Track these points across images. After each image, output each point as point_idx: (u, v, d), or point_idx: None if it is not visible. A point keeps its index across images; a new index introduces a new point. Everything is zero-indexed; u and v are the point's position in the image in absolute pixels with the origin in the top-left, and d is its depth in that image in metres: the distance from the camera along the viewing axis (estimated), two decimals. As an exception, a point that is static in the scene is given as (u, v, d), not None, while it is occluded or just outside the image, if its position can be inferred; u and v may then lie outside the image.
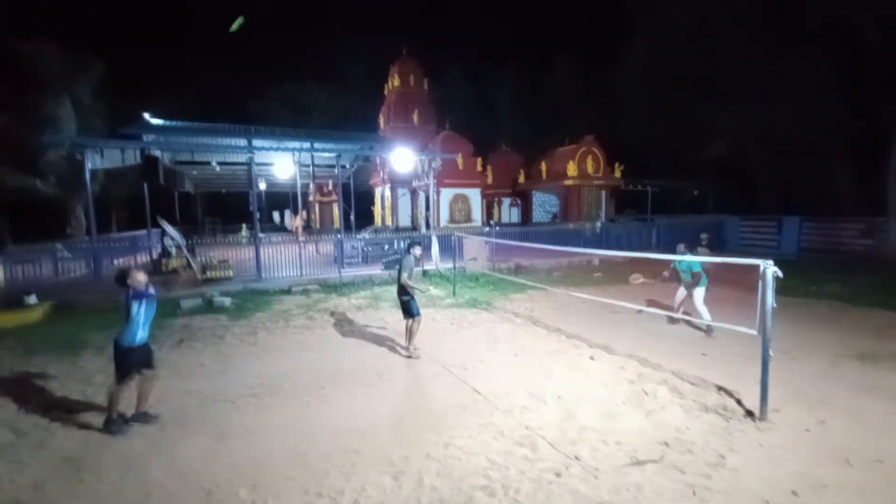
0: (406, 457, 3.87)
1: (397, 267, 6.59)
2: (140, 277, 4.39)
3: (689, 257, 6.81)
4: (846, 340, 6.76)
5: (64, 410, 4.87)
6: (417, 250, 6.68)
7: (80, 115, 17.82)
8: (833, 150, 17.76)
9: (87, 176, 11.70)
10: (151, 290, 4.47)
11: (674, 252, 6.90)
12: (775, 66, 16.15)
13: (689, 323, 7.46)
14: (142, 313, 4.37)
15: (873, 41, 13.19)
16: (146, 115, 16.27)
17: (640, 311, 7.22)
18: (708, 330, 7.07)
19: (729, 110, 18.57)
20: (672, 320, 7.34)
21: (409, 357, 6.38)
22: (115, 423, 4.37)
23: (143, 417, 4.57)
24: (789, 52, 15.40)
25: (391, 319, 8.41)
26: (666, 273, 7.64)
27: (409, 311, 6.37)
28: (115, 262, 13.55)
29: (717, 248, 15.78)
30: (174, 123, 17.19)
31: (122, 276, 4.38)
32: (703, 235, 9.00)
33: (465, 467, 3.71)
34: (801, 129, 16.89)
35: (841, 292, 9.89)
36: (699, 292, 7.13)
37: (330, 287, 11.48)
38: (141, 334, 4.41)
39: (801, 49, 15.00)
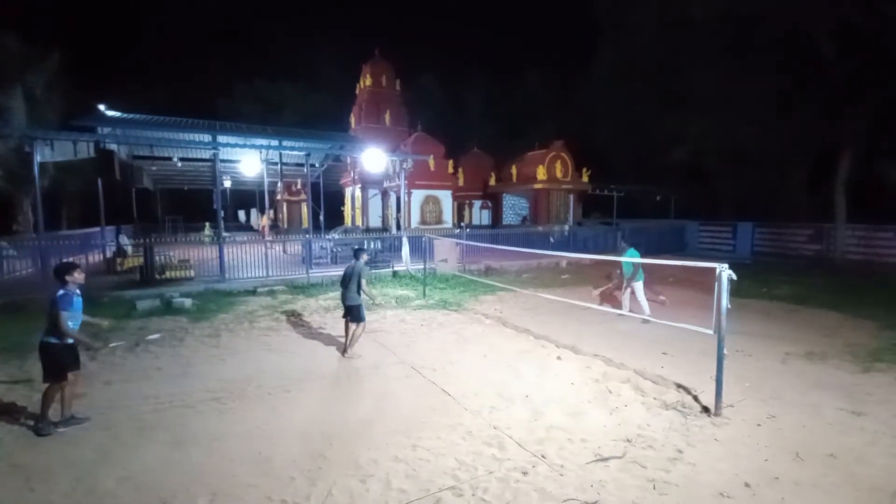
0: (374, 459, 3.82)
1: (346, 274, 6.52)
2: (80, 278, 4.51)
3: (626, 258, 7.73)
4: (797, 339, 7.14)
5: (11, 417, 4.57)
6: (365, 257, 6.84)
7: (33, 107, 16.82)
8: (787, 159, 18.75)
9: (36, 169, 11.04)
10: (79, 291, 4.54)
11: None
12: (734, 78, 16.92)
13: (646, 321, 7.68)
14: (78, 313, 4.44)
15: (829, 57, 13.97)
16: (101, 107, 15.48)
17: (645, 322, 7.65)
18: (645, 322, 7.65)
19: (691, 119, 19.34)
20: (645, 321, 7.68)
21: (350, 358, 6.37)
22: (45, 424, 4.29)
23: (73, 421, 4.44)
24: (748, 64, 16.16)
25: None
26: (618, 271, 8.58)
27: (359, 316, 6.42)
28: (65, 260, 12.83)
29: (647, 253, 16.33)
30: (132, 116, 16.42)
31: (66, 270, 4.42)
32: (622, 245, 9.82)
33: (433, 468, 3.70)
34: (757, 139, 17.74)
35: (791, 294, 10.45)
36: (639, 286, 8.05)
37: (297, 288, 11.24)
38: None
39: (759, 62, 15.76)
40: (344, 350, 6.53)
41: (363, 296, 6.50)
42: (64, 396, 4.42)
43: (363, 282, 6.43)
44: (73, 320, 4.35)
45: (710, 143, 19.77)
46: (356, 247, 7.05)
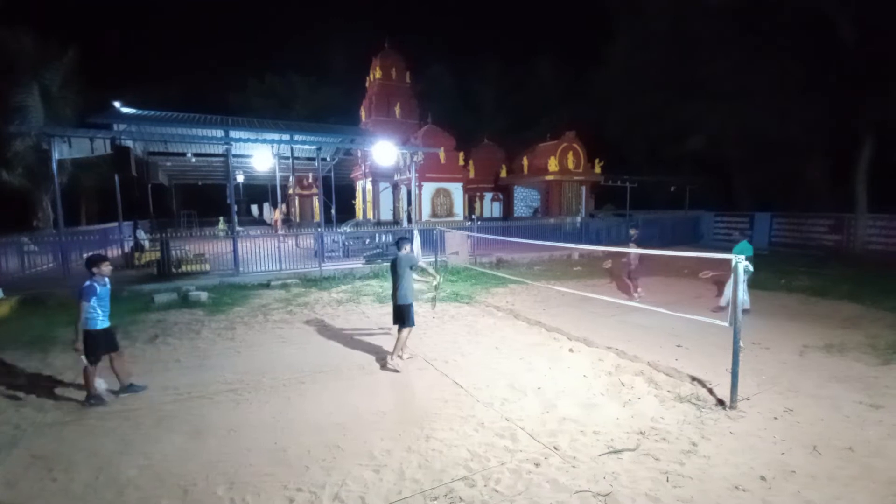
0: (387, 450, 3.87)
1: (393, 268, 5.86)
2: (107, 270, 4.90)
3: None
4: (815, 331, 7.01)
5: (34, 408, 4.72)
6: (408, 248, 6.02)
7: (49, 104, 17.09)
8: (807, 148, 18.31)
9: (54, 166, 11.29)
10: (107, 281, 4.94)
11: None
12: (752, 65, 16.53)
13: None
14: (106, 301, 4.86)
15: (849, 40, 13.55)
16: (117, 104, 15.71)
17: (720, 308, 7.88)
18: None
19: (706, 108, 18.96)
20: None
21: (396, 371, 5.65)
22: (93, 398, 4.76)
23: (131, 389, 5.03)
24: (766, 51, 15.76)
25: (372, 313, 8.38)
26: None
27: (409, 319, 5.76)
28: (85, 255, 13.11)
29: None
30: (147, 113, 16.63)
31: (93, 262, 4.84)
32: (633, 231, 9.87)
33: (446, 459, 3.73)
34: (776, 128, 17.34)
35: (810, 285, 10.25)
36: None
37: (310, 281, 11.35)
38: (103, 320, 4.82)
39: (778, 48, 15.36)
40: (391, 356, 5.78)
41: (431, 278, 6.53)
42: (116, 370, 4.99)
43: (422, 263, 6.30)
44: (101, 308, 4.78)
45: (727, 131, 19.38)
46: (399, 237, 6.27)
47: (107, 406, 4.73)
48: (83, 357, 4.66)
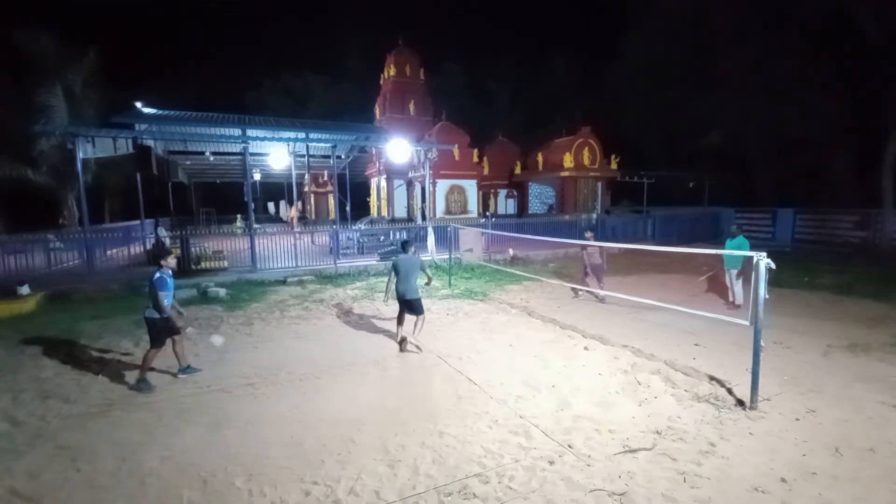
0: (402, 445, 3.89)
1: (402, 269, 6.39)
2: (173, 263, 5.38)
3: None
4: (839, 331, 6.82)
5: (59, 400, 4.87)
6: (412, 249, 6.84)
7: (72, 104, 17.52)
8: (830, 143, 17.80)
9: (79, 165, 11.57)
10: (171, 272, 5.35)
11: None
12: (774, 60, 16.11)
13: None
14: (172, 290, 5.22)
15: (873, 35, 13.14)
16: (139, 105, 16.05)
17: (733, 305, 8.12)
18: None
19: (726, 103, 18.55)
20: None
21: (419, 350, 6.35)
22: (144, 382, 5.09)
23: (188, 370, 5.47)
24: (788, 45, 15.35)
25: (386, 310, 8.42)
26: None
27: (420, 308, 6.46)
28: (108, 252, 13.46)
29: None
30: (167, 112, 16.98)
31: (161, 255, 5.33)
32: (588, 234, 9.68)
33: (459, 455, 3.74)
34: (798, 122, 16.89)
35: (834, 283, 9.97)
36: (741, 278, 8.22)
37: (325, 278, 11.46)
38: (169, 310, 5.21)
39: (800, 42, 14.95)
40: (402, 341, 6.41)
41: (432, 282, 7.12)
42: (177, 353, 5.39)
43: (428, 271, 6.77)
44: (167, 299, 5.12)
45: (748, 126, 18.94)
46: (404, 239, 7.31)
47: (152, 393, 4.99)
48: (187, 328, 5.14)
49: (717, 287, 9.30)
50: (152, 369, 5.34)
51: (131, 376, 5.32)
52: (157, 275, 5.10)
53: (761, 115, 17.79)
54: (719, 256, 8.09)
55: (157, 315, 5.10)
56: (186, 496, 3.28)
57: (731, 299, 8.35)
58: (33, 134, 16.30)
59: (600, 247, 8.92)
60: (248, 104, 34.73)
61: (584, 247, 9.10)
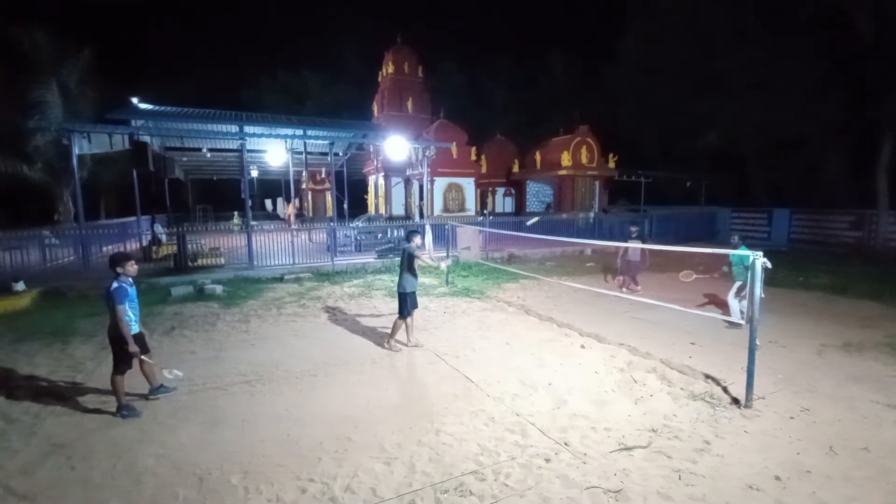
0: (398, 443, 3.90)
1: (399, 260, 6.18)
2: (132, 270, 4.58)
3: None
4: (833, 330, 6.87)
5: (54, 398, 4.84)
6: (418, 240, 6.31)
7: (67, 100, 17.41)
8: (826, 143, 17.88)
9: (75, 161, 11.51)
10: (131, 280, 4.63)
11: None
12: (770, 60, 16.15)
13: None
14: (135, 303, 4.60)
15: (868, 36, 13.20)
16: (134, 100, 15.96)
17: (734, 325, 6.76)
18: (732, 325, 6.82)
19: (723, 103, 18.60)
20: (731, 324, 6.82)
21: (398, 350, 6.20)
22: (126, 409, 4.46)
23: (161, 390, 4.83)
24: (783, 46, 15.40)
25: (384, 308, 8.42)
26: (725, 268, 7.28)
27: (402, 309, 6.11)
28: (104, 249, 13.39)
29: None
30: (164, 108, 16.87)
31: (118, 261, 4.49)
32: (633, 228, 9.65)
33: (456, 453, 3.75)
34: (794, 123, 16.96)
35: (829, 283, 10.03)
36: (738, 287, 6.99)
37: (323, 275, 11.45)
38: (135, 324, 4.56)
39: (796, 43, 15.00)
40: (388, 338, 6.30)
41: (434, 265, 6.90)
42: (146, 373, 4.73)
43: (415, 262, 6.04)
44: (132, 311, 4.50)
45: (744, 127, 19.00)
46: (410, 229, 6.44)
47: (139, 416, 4.41)
48: (142, 357, 4.51)
49: (712, 286, 9.33)
50: (127, 394, 4.64)
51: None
52: (115, 284, 4.35)
53: (757, 116, 17.85)
54: (717, 261, 7.52)
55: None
56: (182, 494, 3.27)
57: (732, 318, 6.70)
58: (28, 130, 16.21)
59: (642, 247, 8.88)
60: (245, 102, 34.56)
61: (626, 245, 9.11)
